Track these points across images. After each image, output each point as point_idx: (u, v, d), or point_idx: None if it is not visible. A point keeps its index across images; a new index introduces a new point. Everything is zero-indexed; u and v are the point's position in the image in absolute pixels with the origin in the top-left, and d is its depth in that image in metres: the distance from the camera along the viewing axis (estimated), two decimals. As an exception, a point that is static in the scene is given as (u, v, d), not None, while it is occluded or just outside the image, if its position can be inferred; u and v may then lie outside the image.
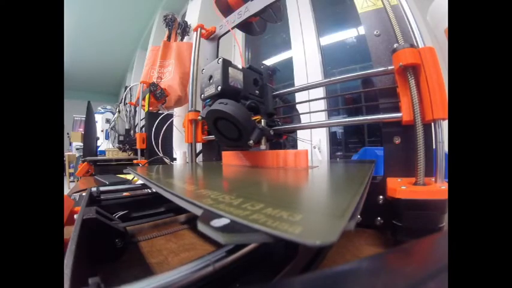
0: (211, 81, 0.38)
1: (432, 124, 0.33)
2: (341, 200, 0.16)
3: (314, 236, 0.09)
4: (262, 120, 0.42)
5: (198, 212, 0.15)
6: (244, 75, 0.40)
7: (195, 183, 0.27)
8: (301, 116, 0.54)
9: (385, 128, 0.38)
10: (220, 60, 0.37)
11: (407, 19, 0.36)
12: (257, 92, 0.43)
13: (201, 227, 0.12)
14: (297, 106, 0.57)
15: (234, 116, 0.35)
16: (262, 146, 0.43)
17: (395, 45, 0.36)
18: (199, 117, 0.49)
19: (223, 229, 0.12)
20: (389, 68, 0.37)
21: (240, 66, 0.40)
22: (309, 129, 1.12)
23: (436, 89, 0.32)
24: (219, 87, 0.37)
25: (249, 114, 0.38)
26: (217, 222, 0.12)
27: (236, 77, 0.38)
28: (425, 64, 0.33)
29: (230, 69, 0.38)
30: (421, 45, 0.35)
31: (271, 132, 0.45)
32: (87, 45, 2.66)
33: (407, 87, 0.34)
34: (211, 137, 0.68)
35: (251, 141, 0.38)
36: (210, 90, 0.38)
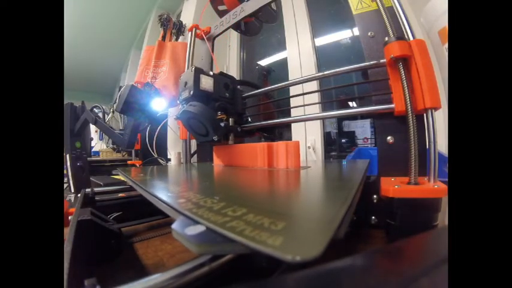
0: (186, 86, 0.45)
1: (424, 115, 0.33)
2: (331, 203, 0.15)
3: (295, 249, 0.08)
4: (231, 119, 0.48)
5: (177, 216, 0.14)
6: (215, 80, 0.47)
7: (181, 185, 0.26)
8: (296, 109, 0.55)
9: (378, 121, 0.38)
10: (193, 69, 0.44)
11: (402, 20, 0.37)
12: (227, 94, 0.49)
13: (175, 234, 0.12)
14: (292, 100, 0.60)
15: (199, 115, 0.42)
16: (230, 142, 0.49)
17: (386, 38, 0.36)
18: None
19: (197, 237, 0.11)
20: (381, 61, 0.38)
21: (211, 73, 0.46)
22: (303, 127, 1.12)
23: (428, 80, 0.32)
24: (191, 92, 0.43)
25: (212, 114, 0.44)
26: (192, 230, 0.11)
27: (207, 83, 0.45)
28: (416, 56, 0.33)
29: (201, 76, 0.44)
30: (412, 39, 0.35)
31: (239, 129, 0.51)
32: (80, 44, 2.62)
33: (399, 78, 0.34)
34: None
35: (215, 137, 0.43)
36: (185, 94, 0.45)
